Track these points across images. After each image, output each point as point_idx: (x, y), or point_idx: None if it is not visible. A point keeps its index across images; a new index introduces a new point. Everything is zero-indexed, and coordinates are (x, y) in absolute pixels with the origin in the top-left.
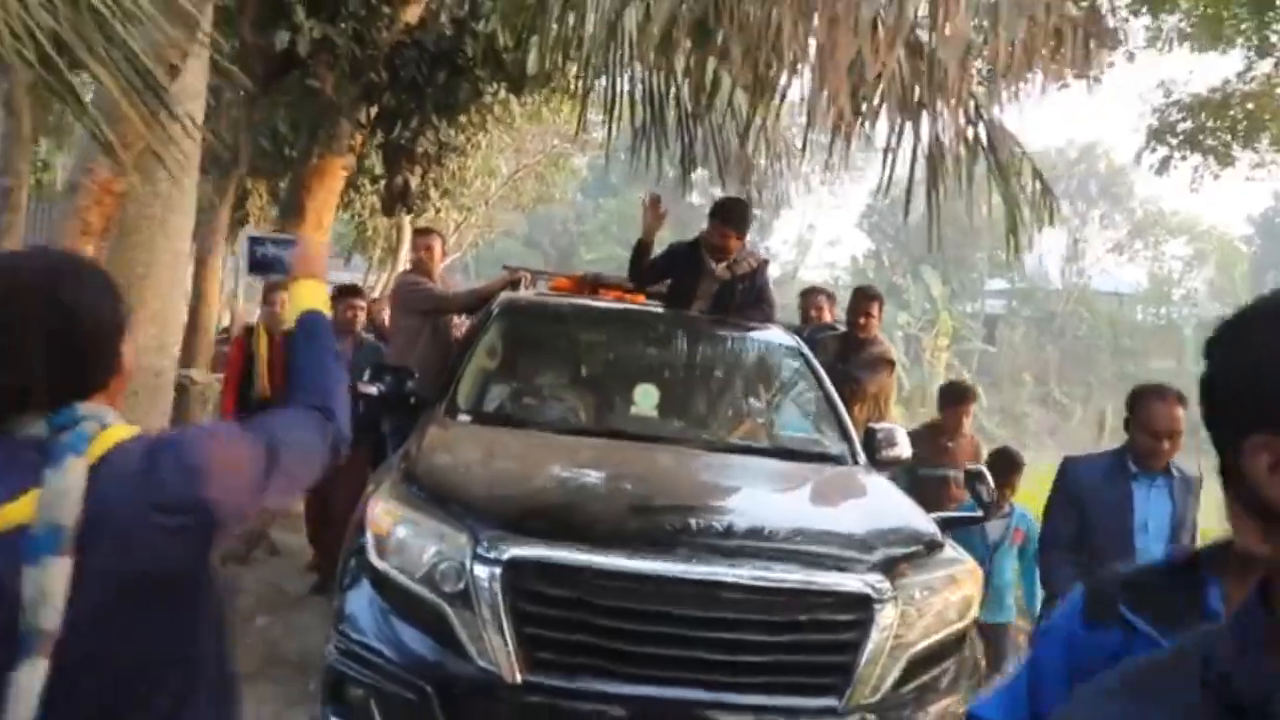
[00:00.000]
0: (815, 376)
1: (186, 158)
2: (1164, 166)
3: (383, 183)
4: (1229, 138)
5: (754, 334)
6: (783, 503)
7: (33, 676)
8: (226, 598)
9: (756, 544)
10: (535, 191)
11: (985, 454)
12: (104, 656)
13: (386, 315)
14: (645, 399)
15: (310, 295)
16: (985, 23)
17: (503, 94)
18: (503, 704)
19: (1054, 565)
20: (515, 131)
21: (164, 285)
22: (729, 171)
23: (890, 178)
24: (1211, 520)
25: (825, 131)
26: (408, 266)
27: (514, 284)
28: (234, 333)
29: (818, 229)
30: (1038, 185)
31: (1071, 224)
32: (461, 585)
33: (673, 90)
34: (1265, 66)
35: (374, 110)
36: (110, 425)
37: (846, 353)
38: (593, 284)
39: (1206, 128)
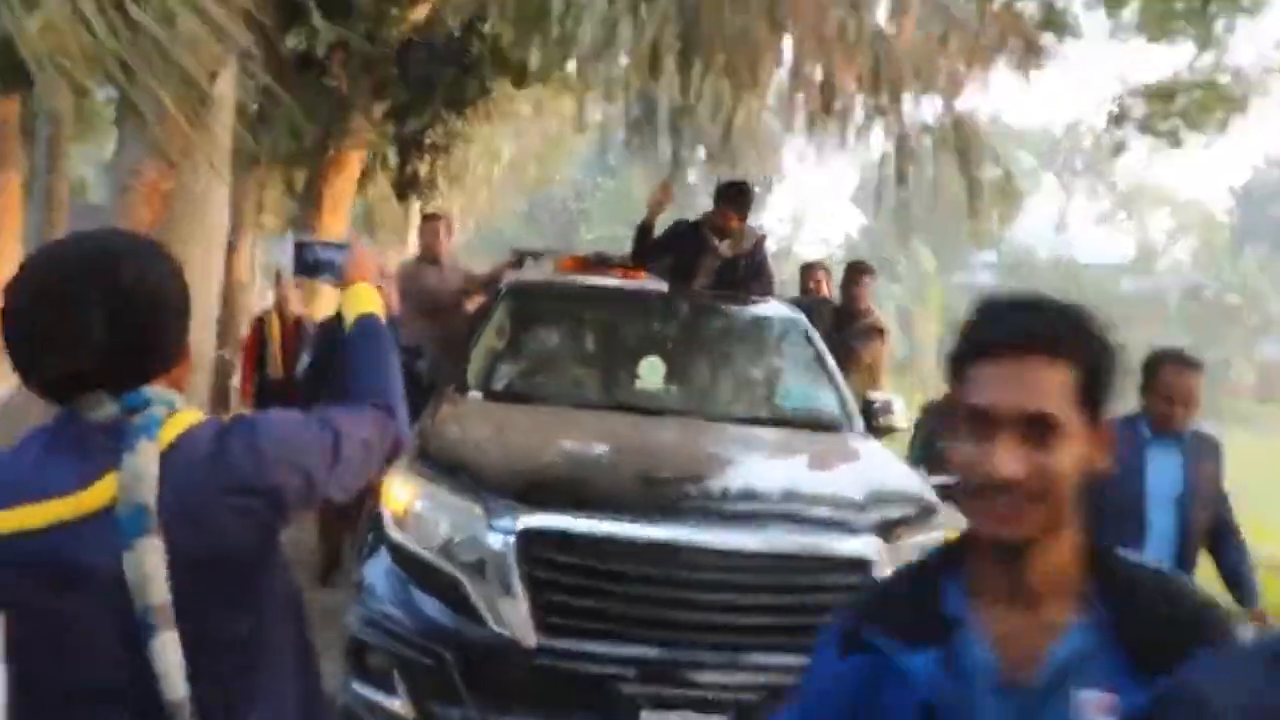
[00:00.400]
0: (814, 348)
1: (222, 155)
2: (1119, 149)
3: (394, 171)
4: (1178, 123)
5: (755, 308)
6: (784, 470)
7: (169, 650)
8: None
9: (759, 509)
10: (536, 173)
11: None
12: (194, 635)
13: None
14: (650, 372)
15: (367, 299)
16: (935, 30)
17: (507, 88)
18: (518, 668)
19: None
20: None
21: (202, 274)
22: (717, 161)
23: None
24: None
25: (802, 127)
26: (416, 253)
27: (517, 264)
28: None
29: (811, 204)
30: (1000, 170)
31: (1059, 198)
32: (476, 555)
33: (662, 86)
34: (1208, 59)
35: (385, 104)
36: (179, 409)
37: (841, 324)
38: (597, 263)
39: (1156, 114)
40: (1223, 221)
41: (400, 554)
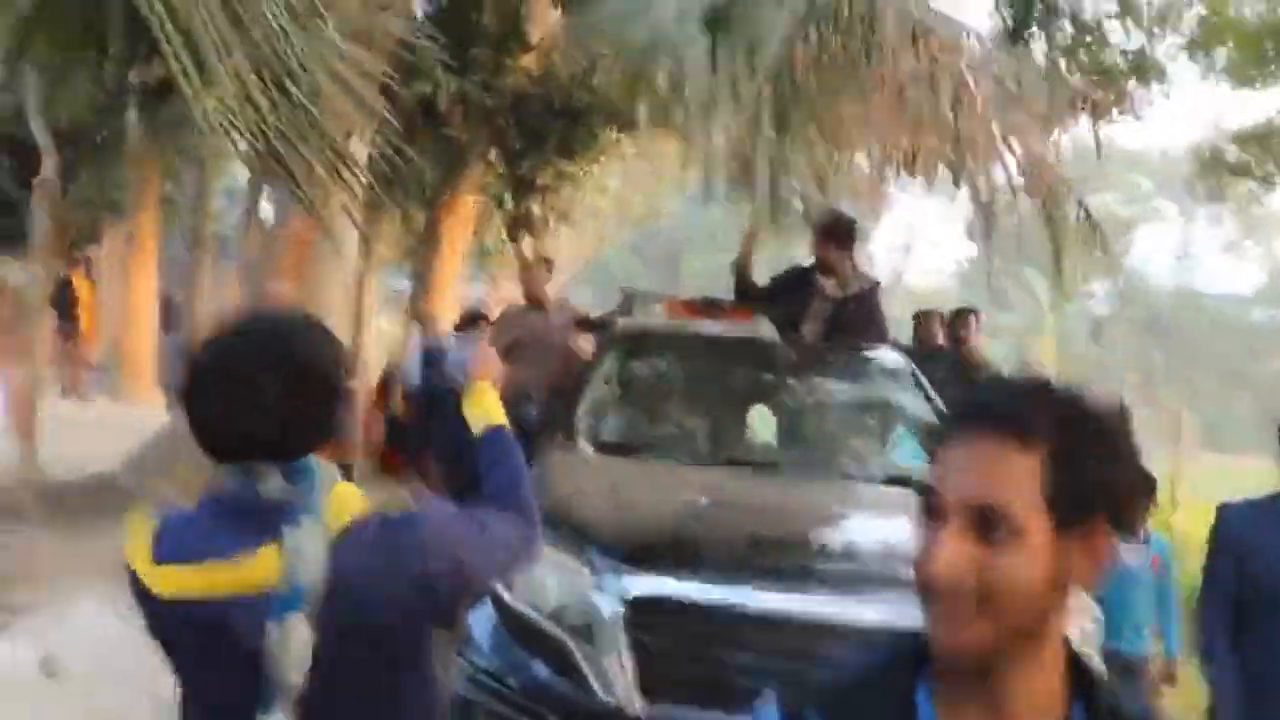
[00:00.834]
0: (928, 401)
1: (355, 205)
2: (1213, 194)
3: (507, 212)
4: (1271, 168)
5: (867, 357)
6: (897, 536)
7: None
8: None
9: (876, 577)
10: (641, 207)
11: None
12: (331, 711)
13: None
14: (760, 423)
15: (491, 407)
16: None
17: (614, 133)
18: None
19: (1212, 631)
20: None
21: (339, 313)
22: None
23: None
24: None
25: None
26: (520, 302)
27: (626, 309)
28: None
29: (920, 232)
30: (1083, 213)
31: (1179, 224)
32: (584, 619)
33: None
34: None
35: (500, 151)
36: (338, 481)
37: (960, 376)
38: (706, 306)
39: (1254, 158)
40: None
41: (506, 611)
